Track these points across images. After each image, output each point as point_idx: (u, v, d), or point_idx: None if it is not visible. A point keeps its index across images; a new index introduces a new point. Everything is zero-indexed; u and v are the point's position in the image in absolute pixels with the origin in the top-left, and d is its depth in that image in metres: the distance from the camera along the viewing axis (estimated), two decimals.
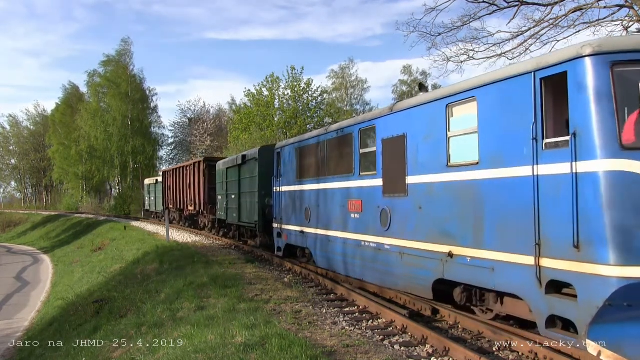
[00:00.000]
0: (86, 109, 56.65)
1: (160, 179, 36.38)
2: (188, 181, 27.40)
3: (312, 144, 12.49)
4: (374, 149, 9.64)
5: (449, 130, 7.59)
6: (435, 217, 7.83)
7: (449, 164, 7.55)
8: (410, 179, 8.46)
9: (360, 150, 10.17)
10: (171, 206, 32.36)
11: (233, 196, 19.26)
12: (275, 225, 15.00)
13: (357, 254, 10.26)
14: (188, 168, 27.82)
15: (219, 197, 21.86)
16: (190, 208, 27.31)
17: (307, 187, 12.69)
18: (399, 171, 8.77)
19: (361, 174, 10.09)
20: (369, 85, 76.66)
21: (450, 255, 7.41)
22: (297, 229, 13.30)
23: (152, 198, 40.95)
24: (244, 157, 17.79)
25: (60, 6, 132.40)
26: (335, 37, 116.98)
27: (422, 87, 9.41)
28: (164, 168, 41.99)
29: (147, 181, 43.63)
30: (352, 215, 10.39)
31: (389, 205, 9.07)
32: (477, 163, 6.99)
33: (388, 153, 9.17)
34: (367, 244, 9.85)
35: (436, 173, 7.82)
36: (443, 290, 8.02)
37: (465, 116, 7.36)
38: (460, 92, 7.36)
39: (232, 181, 19.49)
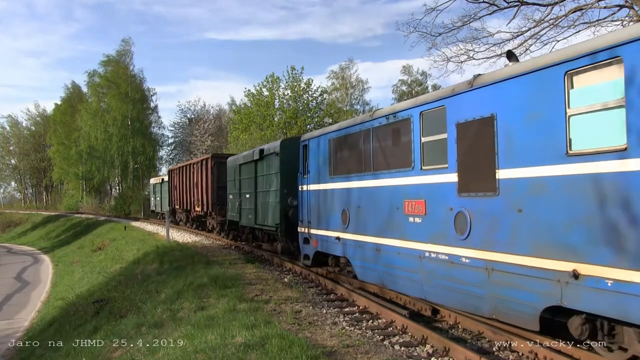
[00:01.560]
0: (86, 109, 56.68)
1: (166, 177, 34.76)
2: (195, 180, 25.64)
3: (352, 133, 10.50)
4: (443, 135, 7.73)
5: (569, 107, 5.72)
6: (546, 223, 5.94)
7: (569, 152, 5.70)
8: (503, 173, 6.59)
9: (422, 138, 8.22)
10: (177, 207, 30.69)
11: (248, 195, 17.33)
12: (301, 229, 13.00)
13: (417, 267, 8.27)
14: (195, 166, 25.95)
15: (230, 197, 19.99)
16: (197, 209, 25.55)
17: (344, 184, 10.76)
18: (484, 163, 6.89)
19: (423, 167, 8.15)
20: (369, 85, 76.68)
21: (575, 275, 5.54)
22: (332, 234, 11.27)
23: (158, 198, 39.33)
24: (261, 151, 15.73)
25: (61, 6, 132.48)
26: (335, 37, 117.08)
27: (512, 56, 7.57)
28: (170, 166, 40.32)
29: (152, 180, 42.61)
30: (411, 219, 8.41)
31: (468, 206, 7.16)
32: (625, 149, 5.12)
33: (466, 140, 7.27)
34: (433, 255, 7.84)
35: (548, 164, 5.96)
36: (549, 317, 6.28)
37: (600, 86, 5.51)
38: (592, 53, 5.48)
39: (247, 179, 17.54)
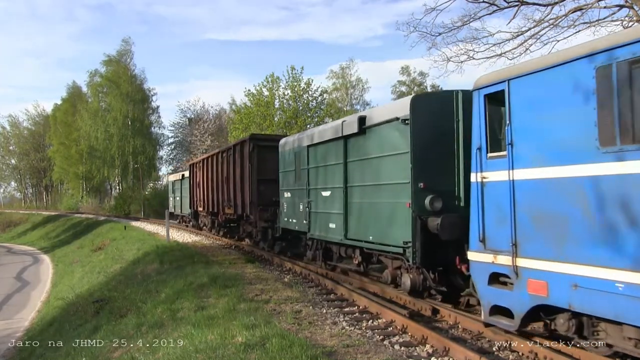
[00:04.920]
0: (86, 109, 56.74)
1: (187, 173, 28.85)
2: (225, 173, 19.47)
3: None
4: None
5: None
6: None
7: None
8: None
9: None
10: (200, 209, 25.05)
11: (327, 193, 11.53)
12: (483, 256, 6.73)
13: None
14: (224, 155, 19.76)
15: (286, 195, 14.13)
16: (228, 211, 19.35)
17: None
18: None
19: None
20: (369, 85, 76.67)
21: None
22: (616, 276, 5.09)
23: (178, 198, 33.06)
24: (362, 120, 9.73)
25: (62, 6, 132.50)
26: (336, 37, 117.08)
27: None
28: (191, 160, 32.48)
29: (171, 177, 36.77)
30: None
31: None
32: None
33: None
34: None
35: None
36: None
37: None
38: None
39: (324, 167, 11.64)
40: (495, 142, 6.93)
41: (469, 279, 7.44)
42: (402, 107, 8.56)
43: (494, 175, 6.64)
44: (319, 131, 12.08)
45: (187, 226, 30.15)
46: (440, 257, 8.25)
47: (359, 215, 10.07)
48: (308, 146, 12.43)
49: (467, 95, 8.10)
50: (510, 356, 6.31)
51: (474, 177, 6.89)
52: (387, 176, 9.06)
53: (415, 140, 8.32)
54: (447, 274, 8.61)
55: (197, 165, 25.34)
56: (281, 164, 14.56)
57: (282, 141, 14.69)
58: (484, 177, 6.78)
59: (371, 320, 8.08)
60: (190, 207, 27.71)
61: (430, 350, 6.53)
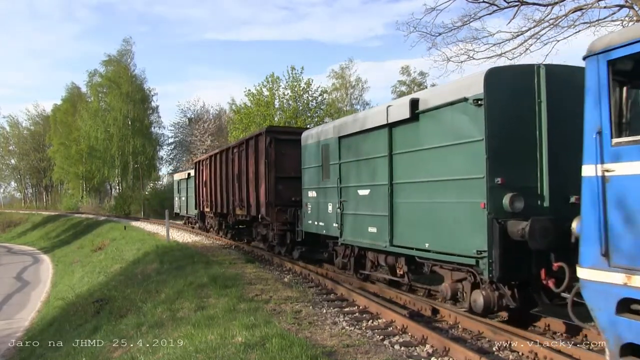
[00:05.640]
0: (86, 109, 56.79)
1: (193, 172, 27.50)
2: (236, 171, 18.00)
3: None
4: None
5: None
6: None
7: None
8: None
9: None
10: (207, 209, 23.45)
11: (364, 192, 9.90)
12: (601, 274, 4.77)
13: None
14: (235, 151, 18.21)
15: (311, 194, 12.54)
16: (239, 212, 17.85)
17: None
18: None
19: None
20: (368, 85, 76.75)
21: None
22: None
23: (184, 198, 31.14)
24: (415, 104, 8.24)
25: (62, 6, 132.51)
26: (336, 37, 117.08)
27: None
28: (197, 158, 31.19)
29: (176, 176, 35.25)
30: None
31: None
32: None
33: None
34: None
35: None
36: None
37: None
38: None
39: (362, 161, 10.01)
40: (625, 123, 5.07)
41: (557, 297, 6.45)
42: (473, 85, 7.02)
43: (625, 167, 4.74)
44: (354, 120, 10.48)
45: (193, 228, 28.77)
46: (521, 270, 6.76)
47: (409, 217, 8.47)
48: (339, 138, 10.81)
49: (553, 70, 7.13)
50: (510, 356, 6.31)
51: (589, 170, 5.01)
52: (451, 170, 7.50)
53: (491, 125, 6.80)
54: (526, 290, 7.16)
55: (204, 162, 23.69)
56: (304, 160, 12.95)
57: (304, 134, 13.08)
58: (607, 170, 4.90)
59: (371, 320, 8.08)
60: (196, 208, 26.12)
61: (430, 350, 6.53)
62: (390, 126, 8.87)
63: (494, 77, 6.92)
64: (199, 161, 25.19)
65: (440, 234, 7.69)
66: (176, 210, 33.98)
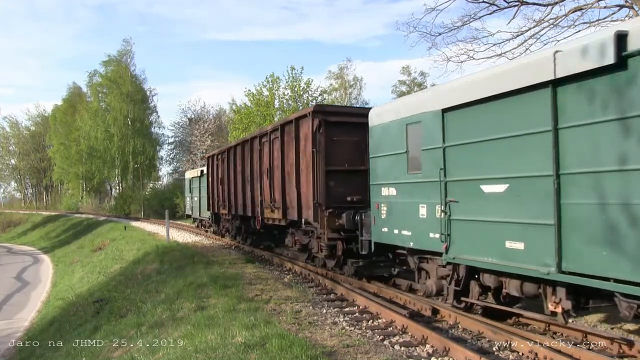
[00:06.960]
0: (86, 109, 56.84)
1: (206, 169, 23.95)
2: (266, 163, 14.42)
3: None
4: None
5: None
6: None
7: None
8: None
9: None
10: (223, 210, 20.07)
11: (496, 188, 6.72)
12: None
13: None
14: (264, 140, 14.65)
15: (385, 193, 9.34)
16: (270, 215, 14.27)
17: None
18: None
19: None
20: (365, 82, 76.61)
21: None
22: None
23: (196, 198, 27.67)
24: (620, 40, 4.95)
25: (62, 6, 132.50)
26: (336, 37, 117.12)
27: None
28: (208, 153, 27.27)
29: (188, 174, 31.16)
30: None
31: None
32: None
33: None
34: None
35: None
36: None
37: None
38: None
39: (492, 141, 6.78)
40: None
41: None
42: None
43: None
44: (472, 82, 7.09)
45: (206, 231, 25.64)
46: None
47: (597, 228, 5.35)
48: (444, 111, 7.63)
49: None
50: (510, 356, 6.31)
51: None
52: None
53: None
54: None
55: (218, 157, 20.18)
56: (374, 146, 9.73)
57: (374, 110, 9.84)
58: None
59: (371, 320, 8.08)
60: (208, 209, 22.86)
61: (430, 350, 6.52)
62: (554, 84, 5.78)
63: None
64: (212, 155, 21.60)
65: None
66: (187, 212, 30.73)
